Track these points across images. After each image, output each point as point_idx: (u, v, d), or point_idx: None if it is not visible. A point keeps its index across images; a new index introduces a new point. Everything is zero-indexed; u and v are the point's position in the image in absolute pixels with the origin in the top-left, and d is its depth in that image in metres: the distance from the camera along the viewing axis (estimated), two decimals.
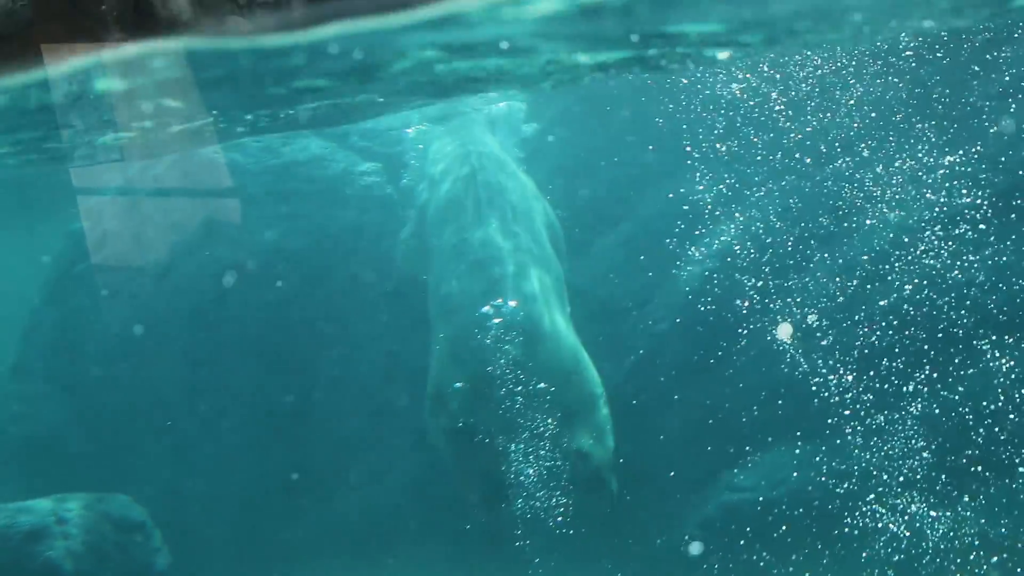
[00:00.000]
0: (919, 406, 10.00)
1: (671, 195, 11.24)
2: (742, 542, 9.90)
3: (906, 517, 9.58)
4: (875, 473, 9.80)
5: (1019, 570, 9.08)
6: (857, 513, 9.71)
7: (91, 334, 11.54)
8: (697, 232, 11.11)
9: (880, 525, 9.60)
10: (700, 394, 10.70)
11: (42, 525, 8.35)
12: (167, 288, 11.19)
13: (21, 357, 11.87)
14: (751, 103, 10.85)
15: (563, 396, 8.74)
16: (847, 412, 10.14)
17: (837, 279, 10.51)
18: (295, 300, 11.30)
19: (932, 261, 10.23)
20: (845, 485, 9.90)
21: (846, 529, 9.68)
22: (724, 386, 10.62)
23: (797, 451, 10.31)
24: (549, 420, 8.65)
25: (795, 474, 10.16)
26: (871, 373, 10.11)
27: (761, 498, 10.10)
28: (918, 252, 10.23)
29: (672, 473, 10.49)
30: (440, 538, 10.40)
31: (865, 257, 10.41)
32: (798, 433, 10.34)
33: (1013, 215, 9.97)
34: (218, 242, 10.96)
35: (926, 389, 10.02)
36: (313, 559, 10.43)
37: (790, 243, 10.76)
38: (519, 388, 8.61)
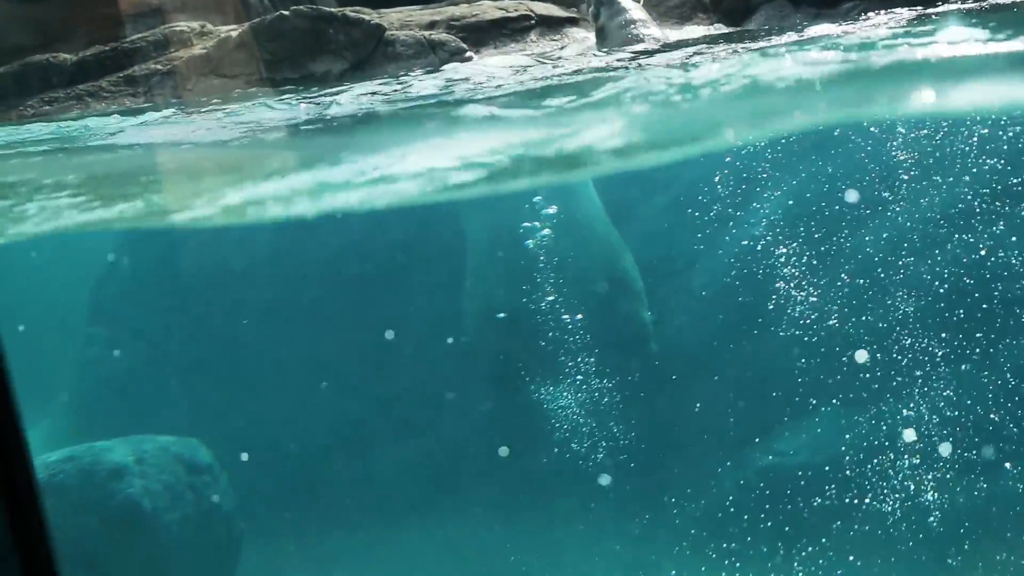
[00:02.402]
0: (962, 374, 10.10)
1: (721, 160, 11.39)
2: (780, 506, 10.19)
3: (946, 487, 9.74)
4: (916, 442, 9.97)
5: None
6: (896, 482, 9.91)
7: (161, 282, 12.15)
8: (742, 199, 11.27)
9: (919, 495, 9.79)
10: (744, 358, 10.95)
11: (122, 464, 8.98)
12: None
13: (96, 301, 12.54)
14: None
15: (600, 270, 9.98)
16: (892, 380, 10.30)
17: (883, 244, 10.60)
18: (352, 257, 11.73)
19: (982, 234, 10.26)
20: (886, 453, 10.09)
21: (885, 498, 9.90)
22: (767, 351, 10.85)
23: (839, 418, 10.51)
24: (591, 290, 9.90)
25: (836, 440, 10.36)
26: (915, 341, 10.24)
27: (802, 463, 10.34)
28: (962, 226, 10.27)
29: (713, 435, 10.80)
30: (484, 490, 10.87)
31: (910, 225, 10.49)
32: (840, 399, 10.53)
33: None
34: None
35: (972, 356, 10.12)
36: (369, 514, 10.93)
37: (836, 208, 10.86)
38: (555, 264, 9.77)
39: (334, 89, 8.59)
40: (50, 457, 9.03)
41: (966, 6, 7.52)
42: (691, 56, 7.75)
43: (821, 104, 8.07)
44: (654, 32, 8.91)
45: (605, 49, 9.03)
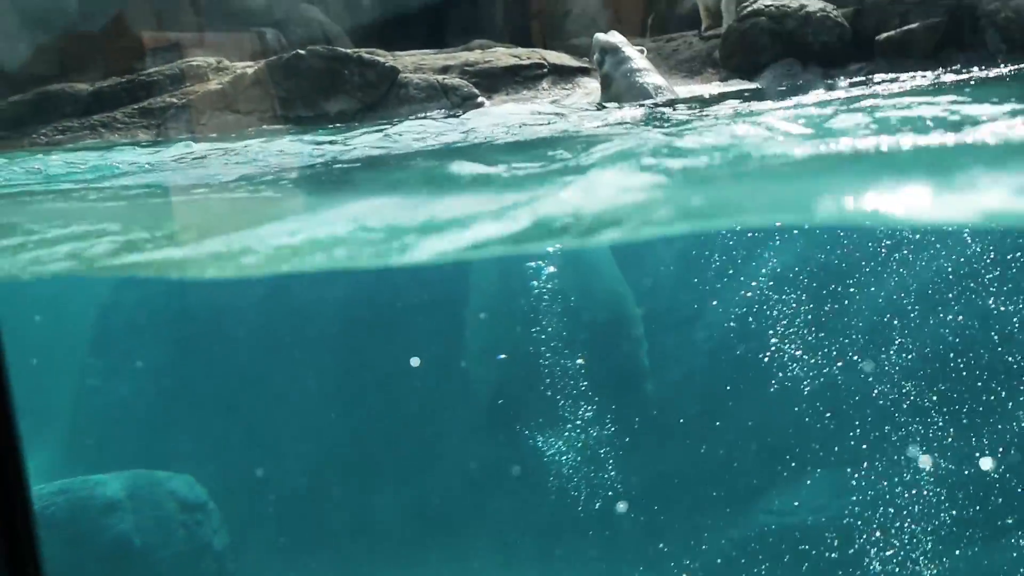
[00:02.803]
0: (958, 436, 10.04)
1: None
2: (776, 565, 10.05)
3: (939, 549, 9.63)
4: (913, 504, 9.87)
5: None
6: (893, 543, 9.78)
7: (164, 314, 12.11)
8: (745, 253, 11.26)
9: (914, 556, 9.67)
10: (743, 413, 10.87)
11: (115, 499, 8.87)
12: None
13: (96, 333, 12.49)
14: None
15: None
16: (889, 440, 10.22)
17: (879, 306, 10.59)
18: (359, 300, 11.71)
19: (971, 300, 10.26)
20: (883, 514, 9.98)
21: (880, 559, 9.77)
22: (766, 408, 10.77)
23: (836, 478, 10.42)
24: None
25: (832, 501, 10.27)
26: (912, 401, 10.18)
27: (797, 523, 10.22)
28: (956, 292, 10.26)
29: (710, 491, 10.68)
30: (481, 537, 10.74)
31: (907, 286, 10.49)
32: (839, 460, 10.44)
33: None
34: None
35: (965, 420, 10.06)
36: (363, 557, 10.80)
37: (834, 266, 10.86)
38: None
39: (342, 133, 8.62)
40: (43, 489, 8.93)
41: (986, 73, 7.52)
42: (689, 120, 7.67)
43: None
44: (658, 82, 8.89)
45: (608, 103, 8.99)
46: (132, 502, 8.90)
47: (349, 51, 10.06)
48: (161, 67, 9.68)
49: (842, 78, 8.86)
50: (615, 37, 9.46)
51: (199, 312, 11.82)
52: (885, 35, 8.80)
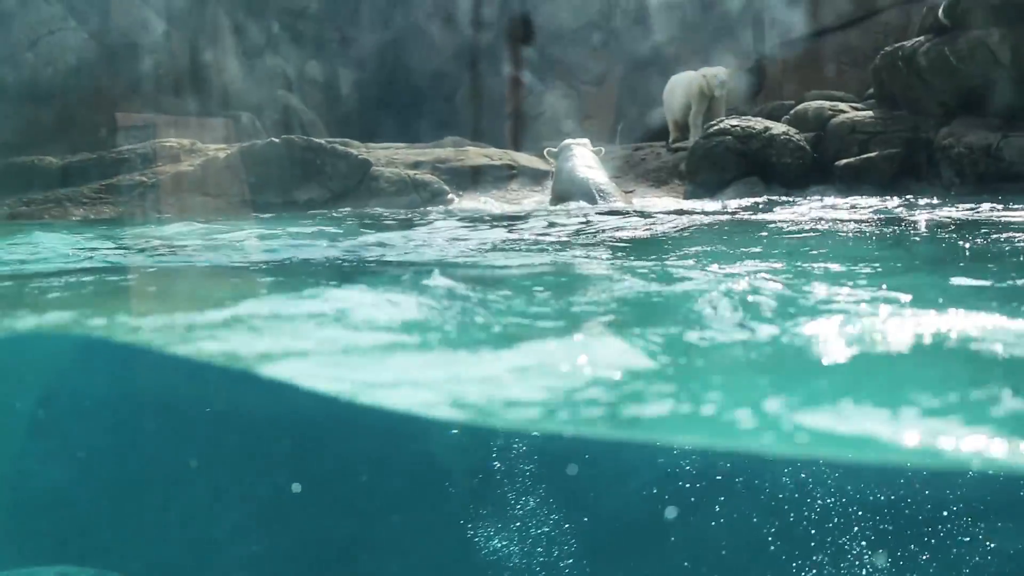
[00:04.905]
0: None
1: None
2: None
3: None
4: None
5: None
6: None
7: (103, 399, 11.82)
8: None
9: None
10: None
11: None
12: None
13: (36, 415, 12.15)
14: None
15: None
16: None
17: None
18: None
19: None
20: None
21: None
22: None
23: None
24: None
25: None
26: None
27: None
28: None
29: None
30: None
31: None
32: None
33: None
34: None
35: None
36: None
37: None
38: None
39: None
40: None
41: (954, 207, 7.20)
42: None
43: None
44: (599, 181, 8.75)
45: (554, 202, 8.79)
46: None
47: (323, 141, 10.19)
48: (133, 145, 9.70)
49: (803, 198, 9.11)
50: (579, 140, 9.65)
51: (140, 399, 11.54)
52: (845, 161, 9.12)
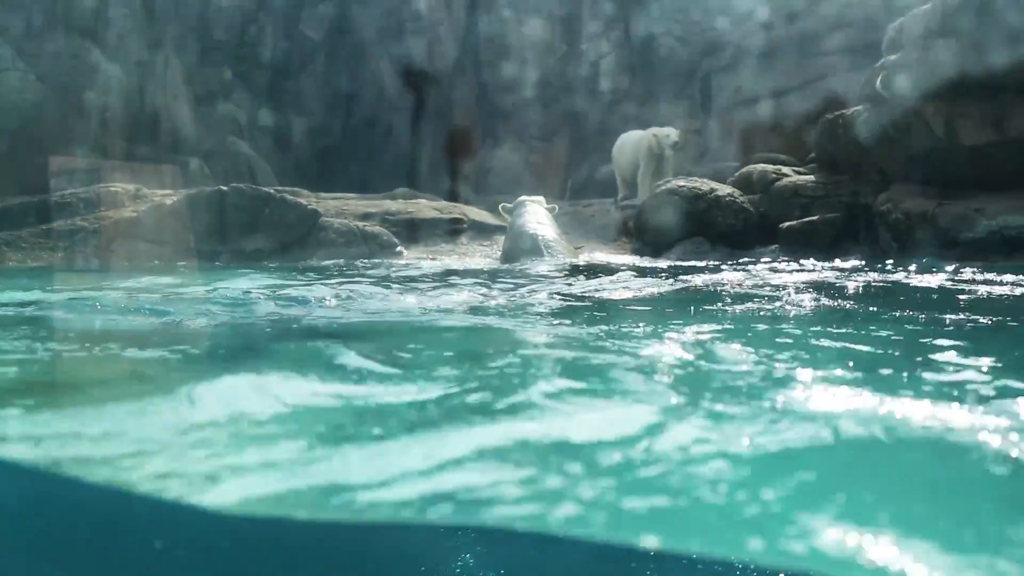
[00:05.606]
0: None
1: None
2: None
3: None
4: None
5: None
6: None
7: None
8: None
9: None
10: None
11: None
12: None
13: None
14: None
15: None
16: None
17: None
18: None
19: None
20: None
21: None
22: None
23: None
24: None
25: None
26: None
27: None
28: None
29: None
30: None
31: None
32: None
33: None
34: None
35: None
36: None
37: None
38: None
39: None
40: None
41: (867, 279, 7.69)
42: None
43: None
44: (548, 236, 8.83)
45: (507, 259, 8.87)
46: None
47: (272, 190, 10.13)
48: (77, 190, 9.54)
49: (747, 258, 9.26)
50: (534, 198, 9.73)
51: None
52: (787, 224, 9.31)
